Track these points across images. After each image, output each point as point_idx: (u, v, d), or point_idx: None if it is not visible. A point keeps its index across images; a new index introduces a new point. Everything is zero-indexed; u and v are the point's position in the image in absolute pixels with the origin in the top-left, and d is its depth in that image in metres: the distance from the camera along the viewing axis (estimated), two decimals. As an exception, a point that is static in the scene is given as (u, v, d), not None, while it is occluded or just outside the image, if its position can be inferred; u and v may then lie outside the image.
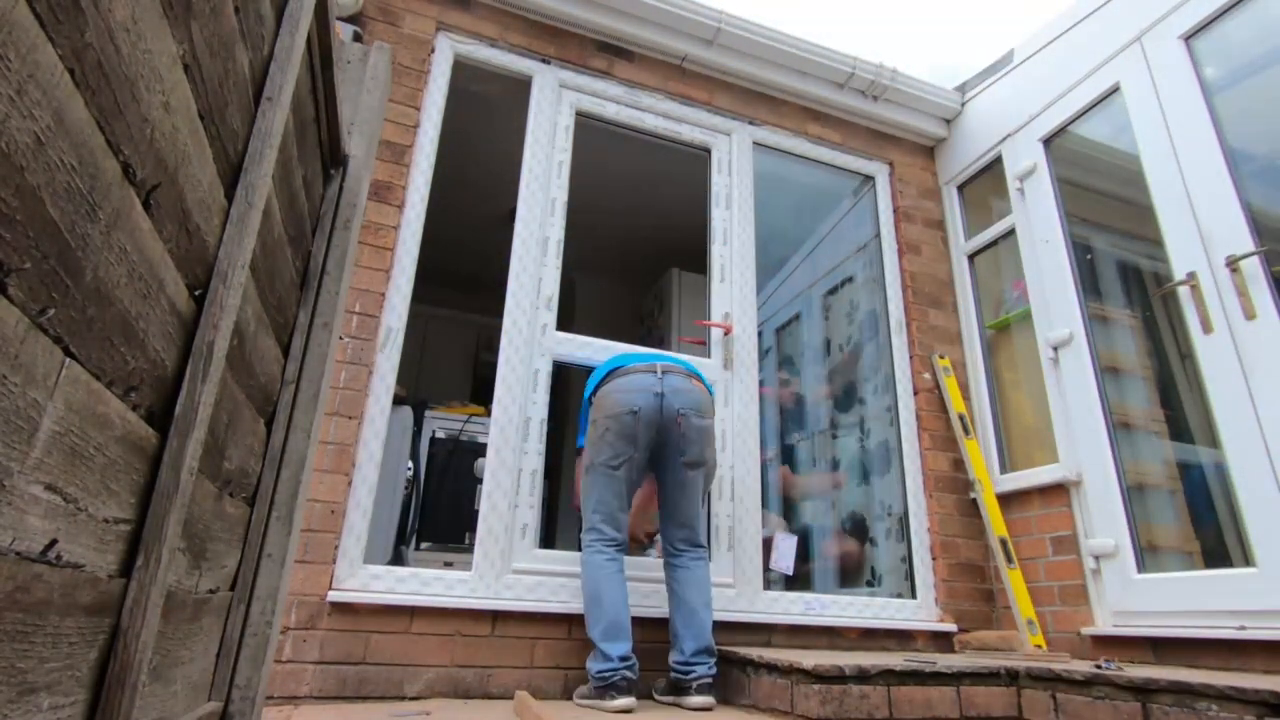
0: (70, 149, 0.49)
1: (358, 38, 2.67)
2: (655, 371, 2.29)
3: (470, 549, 2.41)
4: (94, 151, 0.53)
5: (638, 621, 2.39)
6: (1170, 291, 2.51)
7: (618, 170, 4.12)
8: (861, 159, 3.57)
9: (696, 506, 2.32)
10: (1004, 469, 3.05)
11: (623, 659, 2.00)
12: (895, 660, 2.12)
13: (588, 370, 2.78)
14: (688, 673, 2.08)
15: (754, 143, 3.33)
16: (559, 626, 2.30)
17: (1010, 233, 3.22)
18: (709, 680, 2.09)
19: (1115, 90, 2.82)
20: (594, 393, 2.34)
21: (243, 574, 1.17)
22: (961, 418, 3.11)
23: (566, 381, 4.47)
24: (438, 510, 3.58)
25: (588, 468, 2.26)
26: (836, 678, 1.86)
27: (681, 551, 2.26)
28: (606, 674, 1.98)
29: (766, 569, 2.84)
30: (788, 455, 4.04)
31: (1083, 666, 1.98)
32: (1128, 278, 3.15)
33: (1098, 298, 3.01)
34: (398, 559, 3.22)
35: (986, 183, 3.47)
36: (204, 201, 0.77)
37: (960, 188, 3.58)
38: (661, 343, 4.31)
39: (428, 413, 3.79)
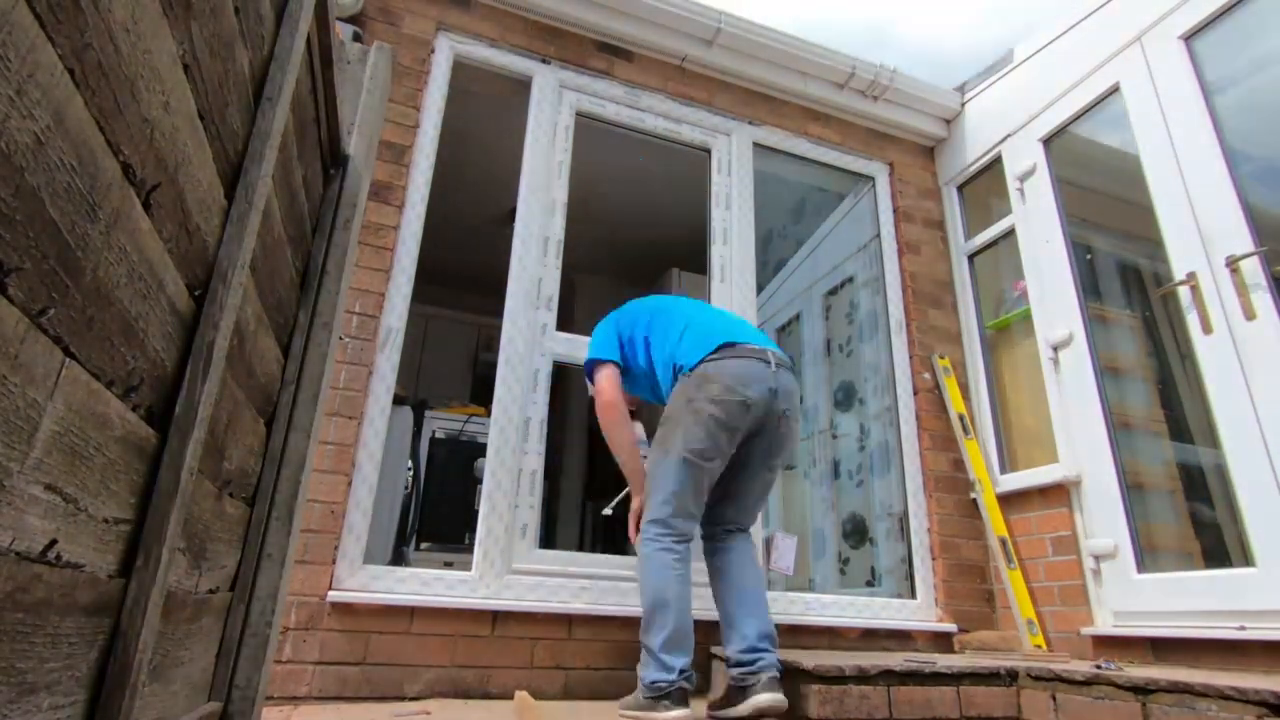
0: (70, 149, 0.49)
1: (358, 38, 2.67)
2: (769, 362, 2.02)
3: (470, 549, 2.41)
4: (94, 151, 0.53)
5: (626, 622, 2.39)
6: (1170, 291, 2.51)
7: (618, 170, 4.12)
8: (861, 159, 3.57)
9: (764, 503, 2.20)
10: (1004, 469, 3.05)
11: (683, 671, 1.79)
12: (895, 660, 2.12)
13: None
14: (754, 662, 1.81)
15: (754, 143, 3.33)
16: (559, 626, 2.30)
17: (1010, 233, 3.22)
18: (778, 675, 1.81)
19: (1115, 90, 2.82)
20: (696, 363, 2.01)
21: (243, 574, 1.17)
22: (961, 418, 3.11)
23: (567, 380, 4.46)
24: (438, 510, 3.58)
25: (668, 450, 1.95)
26: (836, 678, 1.86)
27: (730, 533, 2.07)
28: (664, 685, 1.77)
29: (767, 569, 2.84)
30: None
31: (1083, 667, 1.98)
32: (1128, 278, 3.15)
33: (1098, 298, 3.01)
34: (398, 559, 3.22)
35: (986, 183, 3.47)
36: (204, 201, 0.77)
37: (960, 188, 3.58)
38: (661, 343, 4.30)
39: (428, 413, 3.79)
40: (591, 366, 2.19)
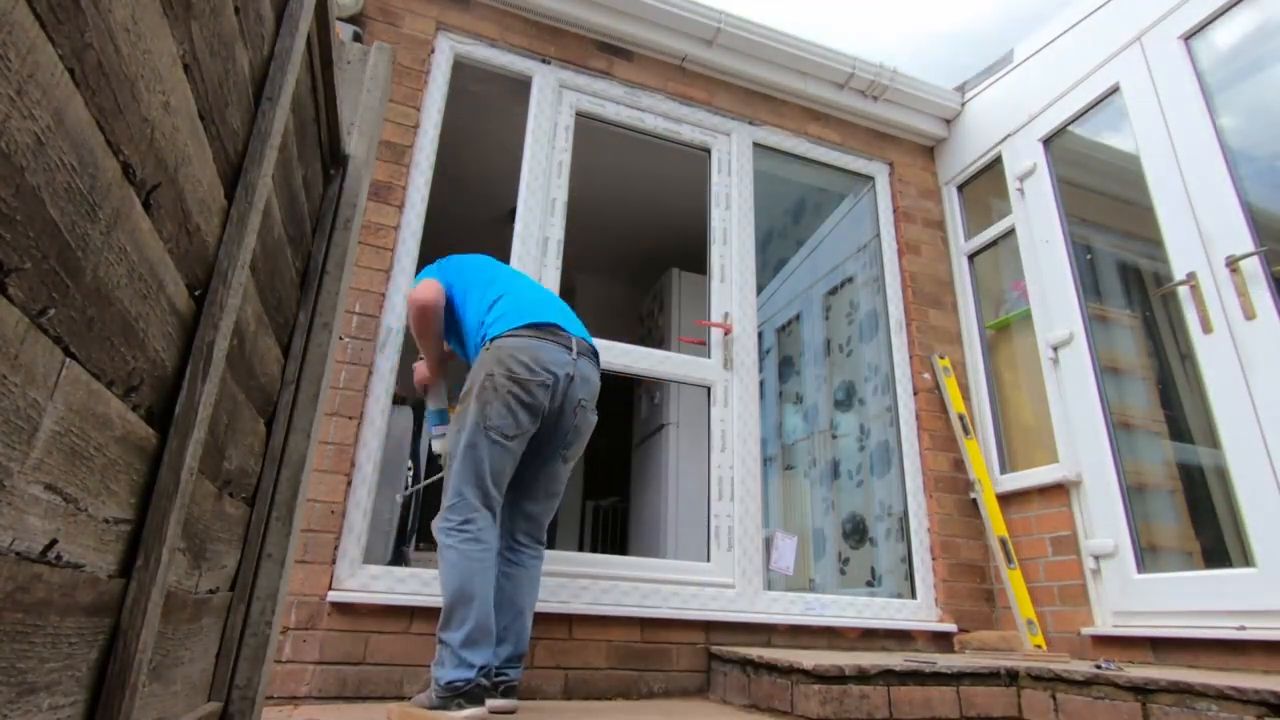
0: (70, 149, 0.49)
1: (358, 38, 2.67)
2: (571, 350, 2.00)
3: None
4: (94, 151, 0.53)
5: (626, 622, 2.39)
6: (1170, 291, 2.51)
7: (618, 170, 4.12)
8: (861, 159, 3.57)
9: (556, 503, 2.13)
10: (1004, 469, 3.05)
11: (482, 668, 1.74)
12: (895, 660, 2.12)
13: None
14: (496, 676, 1.86)
15: (754, 143, 3.33)
16: (559, 626, 2.30)
17: (1010, 233, 3.22)
18: (516, 684, 1.91)
19: (1115, 90, 2.82)
20: (499, 336, 1.95)
21: (243, 574, 1.18)
22: (961, 418, 3.11)
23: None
24: (438, 511, 3.58)
25: (465, 427, 1.87)
26: (836, 678, 1.86)
27: (522, 547, 2.02)
28: (461, 684, 1.70)
29: (767, 569, 2.84)
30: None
31: (1082, 666, 1.98)
32: (1128, 278, 3.15)
33: (1098, 298, 3.01)
34: (398, 559, 3.22)
35: (986, 183, 3.47)
36: (204, 201, 0.77)
37: (960, 188, 3.58)
38: (661, 343, 4.31)
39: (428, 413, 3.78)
40: (414, 284, 2.10)
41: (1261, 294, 2.22)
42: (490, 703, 1.79)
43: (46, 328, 0.49)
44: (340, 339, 2.32)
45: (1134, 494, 2.60)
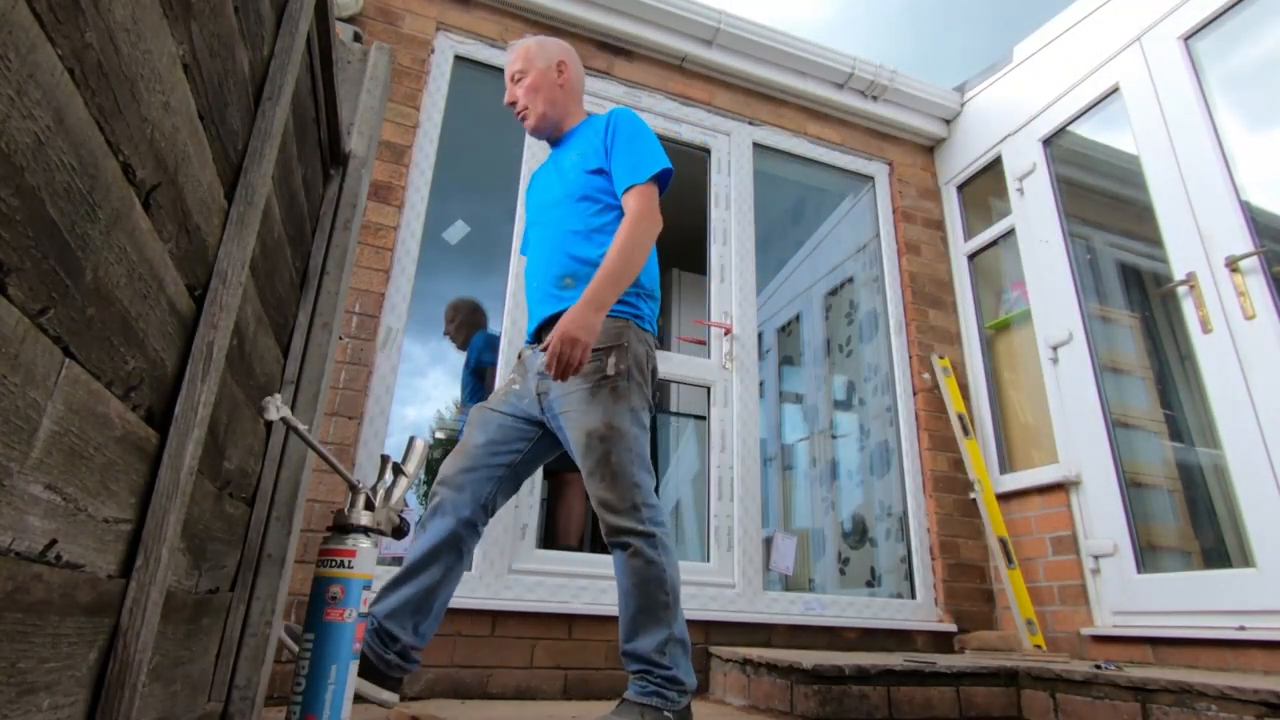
0: (70, 149, 0.49)
1: (358, 38, 2.67)
2: None
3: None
4: (94, 151, 0.53)
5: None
6: (1170, 291, 2.51)
7: (617, 170, 4.11)
8: (861, 159, 3.57)
9: None
10: (1004, 469, 3.05)
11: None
12: (895, 660, 2.12)
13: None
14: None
15: (753, 143, 3.33)
16: (559, 626, 2.30)
17: (1010, 233, 3.22)
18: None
19: (1115, 90, 2.82)
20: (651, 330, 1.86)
21: (242, 574, 1.18)
22: (961, 418, 3.11)
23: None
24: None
25: (635, 413, 1.63)
26: (836, 678, 1.86)
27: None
28: (689, 687, 1.54)
29: (766, 569, 2.84)
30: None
31: (1082, 666, 1.98)
32: (1128, 278, 3.15)
33: (1098, 298, 3.01)
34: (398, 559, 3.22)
35: (986, 183, 3.47)
36: (204, 201, 0.77)
37: (960, 188, 3.58)
38: (661, 343, 4.31)
39: (427, 413, 3.78)
40: (666, 176, 1.93)
41: (1261, 294, 2.22)
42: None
43: (46, 328, 0.49)
44: (340, 339, 2.32)
45: (1134, 494, 2.60)
